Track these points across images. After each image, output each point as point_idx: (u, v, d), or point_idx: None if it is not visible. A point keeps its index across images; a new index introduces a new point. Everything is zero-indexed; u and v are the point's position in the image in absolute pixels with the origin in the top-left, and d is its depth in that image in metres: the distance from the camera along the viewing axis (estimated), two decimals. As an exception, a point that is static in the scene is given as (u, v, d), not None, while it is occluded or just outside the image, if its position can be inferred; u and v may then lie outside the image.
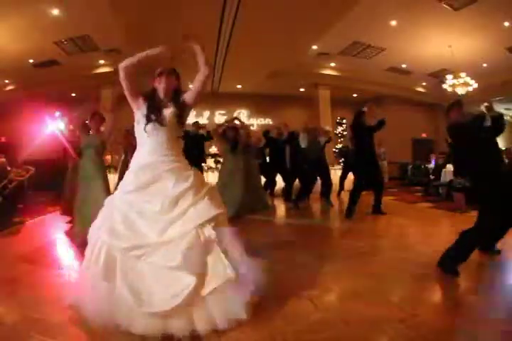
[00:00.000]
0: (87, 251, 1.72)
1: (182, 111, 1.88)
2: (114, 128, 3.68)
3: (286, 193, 6.31)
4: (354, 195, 4.44)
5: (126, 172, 1.83)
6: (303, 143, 5.34)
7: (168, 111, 1.84)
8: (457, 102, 2.68)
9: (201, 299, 1.54)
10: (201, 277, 1.55)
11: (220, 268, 1.59)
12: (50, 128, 9.74)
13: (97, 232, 1.69)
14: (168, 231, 1.61)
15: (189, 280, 1.53)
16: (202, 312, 1.53)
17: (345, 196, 5.60)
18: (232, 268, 1.60)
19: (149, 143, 1.80)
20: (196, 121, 6.22)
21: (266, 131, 6.62)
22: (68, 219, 4.14)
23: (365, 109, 4.52)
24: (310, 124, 5.80)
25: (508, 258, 2.60)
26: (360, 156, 4.57)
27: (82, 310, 1.64)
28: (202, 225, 1.63)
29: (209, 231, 1.62)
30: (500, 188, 2.27)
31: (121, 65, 1.81)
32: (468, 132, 2.44)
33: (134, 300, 1.50)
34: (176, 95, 1.91)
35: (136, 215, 1.65)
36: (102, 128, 3.56)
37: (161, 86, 1.89)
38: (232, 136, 4.90)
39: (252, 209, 4.83)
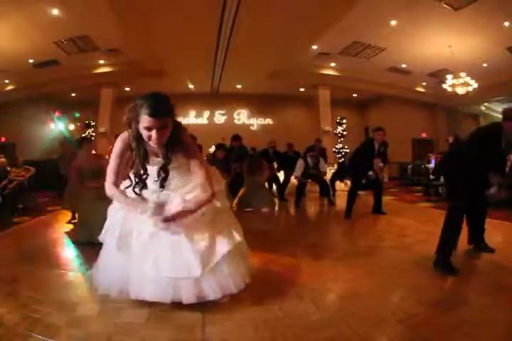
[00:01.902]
0: (106, 225, 1.79)
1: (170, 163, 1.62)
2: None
3: (280, 193, 6.40)
4: (351, 195, 4.45)
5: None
6: (299, 170, 5.51)
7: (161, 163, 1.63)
8: None
9: (211, 267, 1.62)
10: (212, 243, 1.65)
11: (228, 235, 1.71)
12: (49, 128, 9.76)
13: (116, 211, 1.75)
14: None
15: (199, 249, 1.61)
16: (211, 279, 1.63)
17: (343, 197, 5.61)
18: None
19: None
20: None
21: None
22: (68, 218, 4.14)
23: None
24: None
25: (507, 258, 2.60)
26: (358, 162, 4.59)
27: (93, 279, 1.77)
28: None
29: (217, 202, 1.74)
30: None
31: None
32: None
33: (151, 267, 1.58)
34: (169, 147, 1.58)
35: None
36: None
37: (151, 142, 1.52)
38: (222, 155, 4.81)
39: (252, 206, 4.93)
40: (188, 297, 1.60)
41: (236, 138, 5.46)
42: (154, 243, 1.63)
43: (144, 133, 1.49)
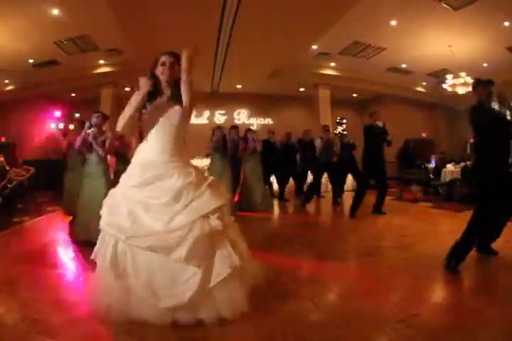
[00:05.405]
0: (97, 246, 1.73)
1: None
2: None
3: (280, 193, 6.43)
4: (360, 195, 4.44)
5: (130, 166, 1.81)
6: (318, 149, 5.65)
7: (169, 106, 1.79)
8: (489, 81, 2.63)
9: (209, 290, 1.57)
10: (208, 268, 1.58)
11: (226, 258, 1.62)
12: (49, 128, 9.76)
13: (105, 227, 1.69)
14: (175, 220, 1.61)
15: (196, 273, 1.56)
16: (209, 302, 1.57)
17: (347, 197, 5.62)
18: (239, 256, 1.65)
19: (153, 140, 1.77)
20: None
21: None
22: (69, 219, 4.14)
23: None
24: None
25: (507, 258, 2.59)
26: (370, 155, 4.55)
27: (91, 304, 1.69)
28: (206, 216, 1.64)
29: (214, 222, 1.64)
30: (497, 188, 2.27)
31: (119, 129, 1.76)
32: (494, 120, 2.41)
33: (148, 294, 1.54)
34: (178, 87, 1.78)
35: (142, 210, 1.65)
36: (104, 127, 3.56)
37: (162, 77, 1.81)
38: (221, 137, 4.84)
39: (252, 209, 4.92)
40: (185, 319, 1.56)
41: (233, 127, 5.54)
42: (150, 264, 1.59)
43: (159, 69, 1.81)
